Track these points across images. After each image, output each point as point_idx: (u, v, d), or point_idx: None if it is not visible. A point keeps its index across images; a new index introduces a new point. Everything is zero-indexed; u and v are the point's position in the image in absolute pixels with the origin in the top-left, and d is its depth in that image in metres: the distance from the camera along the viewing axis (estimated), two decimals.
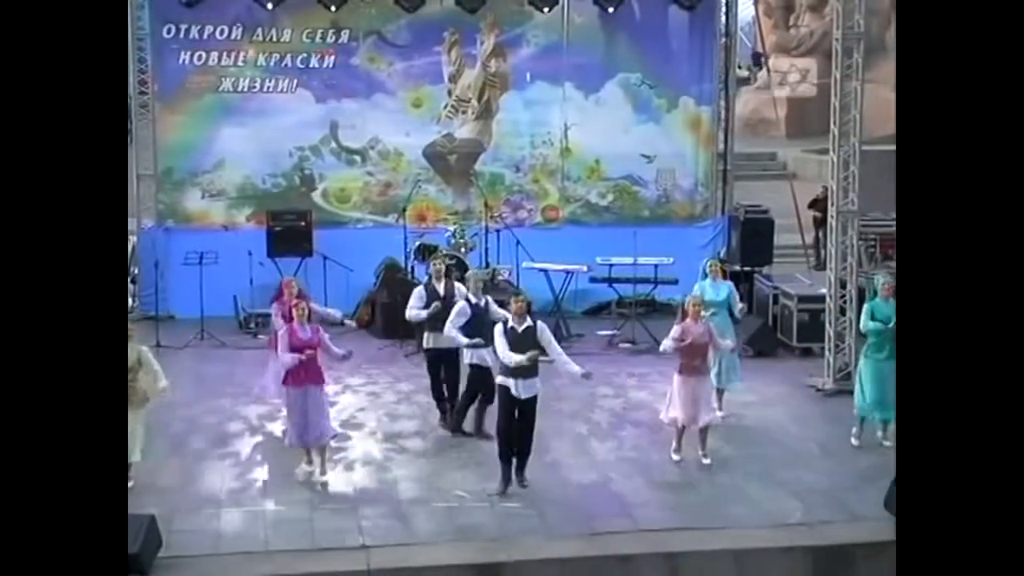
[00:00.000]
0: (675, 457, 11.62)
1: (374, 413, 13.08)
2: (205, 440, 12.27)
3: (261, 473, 11.45)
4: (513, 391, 10.74)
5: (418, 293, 12.47)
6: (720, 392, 12.84)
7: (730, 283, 13.34)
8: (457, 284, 12.65)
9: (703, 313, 11.64)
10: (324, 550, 9.87)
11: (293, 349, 10.85)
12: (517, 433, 10.86)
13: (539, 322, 10.93)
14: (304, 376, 10.93)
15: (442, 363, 12.42)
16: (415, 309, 12.40)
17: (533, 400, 10.85)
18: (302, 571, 9.57)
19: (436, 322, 12.16)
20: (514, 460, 10.89)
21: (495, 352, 10.87)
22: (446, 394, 12.48)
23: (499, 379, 10.91)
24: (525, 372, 10.71)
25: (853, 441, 12.14)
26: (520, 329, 10.73)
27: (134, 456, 10.64)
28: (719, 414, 12.42)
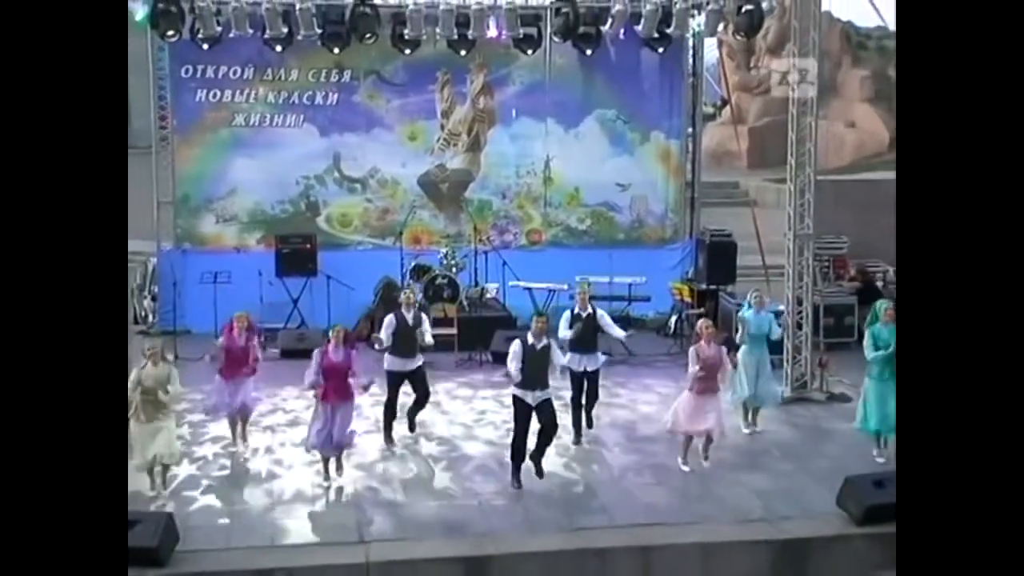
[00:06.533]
0: (684, 468, 11.28)
1: (372, 418, 12.99)
2: (218, 444, 12.18)
3: (269, 474, 11.39)
4: (531, 402, 10.67)
5: (388, 321, 12.07)
6: (756, 410, 12.63)
7: (771, 314, 12.70)
8: (423, 315, 12.34)
9: (715, 334, 11.36)
10: (325, 544, 9.84)
11: (325, 370, 10.76)
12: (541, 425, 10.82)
13: (552, 342, 10.94)
14: (333, 394, 10.83)
15: (405, 380, 12.09)
16: (384, 337, 11.96)
17: (548, 402, 10.77)
18: (305, 564, 9.52)
19: (399, 347, 11.96)
20: (528, 458, 10.84)
21: (515, 368, 10.65)
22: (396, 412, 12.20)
23: (514, 391, 10.78)
24: (541, 384, 10.70)
25: (879, 459, 11.35)
26: (538, 347, 10.70)
27: (172, 461, 10.73)
28: (745, 431, 12.43)
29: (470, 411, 13.55)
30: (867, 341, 11.40)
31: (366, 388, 11.15)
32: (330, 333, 11.12)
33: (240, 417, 12.03)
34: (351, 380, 10.95)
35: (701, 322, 11.48)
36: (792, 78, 13.60)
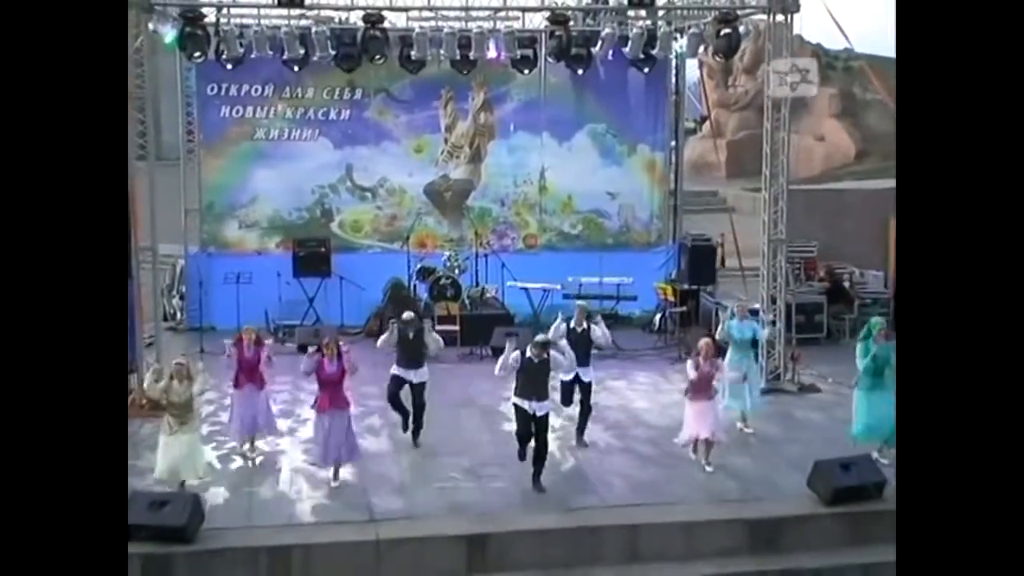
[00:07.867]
0: (708, 469, 10.98)
1: (380, 407, 12.97)
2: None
3: (287, 459, 11.42)
4: (528, 410, 10.40)
5: (391, 330, 11.79)
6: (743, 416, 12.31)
7: (755, 323, 12.56)
8: (426, 326, 11.90)
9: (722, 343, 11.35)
10: (338, 523, 9.87)
11: (321, 382, 10.53)
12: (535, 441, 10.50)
13: (553, 354, 10.57)
14: (329, 404, 10.53)
15: (405, 386, 11.68)
16: (384, 341, 11.78)
17: (546, 418, 10.50)
18: (320, 541, 9.55)
19: (403, 357, 11.64)
20: (532, 468, 10.53)
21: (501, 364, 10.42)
22: (410, 410, 11.78)
23: (515, 400, 10.50)
24: (539, 394, 10.40)
25: (884, 461, 10.77)
26: (537, 361, 10.38)
27: (195, 476, 10.33)
28: (748, 430, 12.19)
29: (470, 401, 13.54)
30: (859, 354, 11.12)
31: (352, 370, 10.55)
32: (323, 347, 10.66)
33: (249, 436, 11.48)
34: (347, 391, 10.65)
35: (703, 341, 11.21)
36: (793, 78, 13.46)
